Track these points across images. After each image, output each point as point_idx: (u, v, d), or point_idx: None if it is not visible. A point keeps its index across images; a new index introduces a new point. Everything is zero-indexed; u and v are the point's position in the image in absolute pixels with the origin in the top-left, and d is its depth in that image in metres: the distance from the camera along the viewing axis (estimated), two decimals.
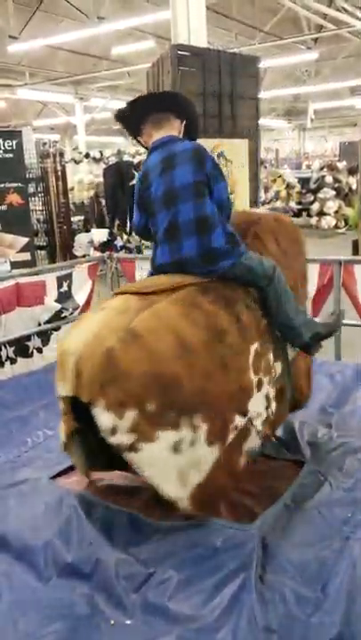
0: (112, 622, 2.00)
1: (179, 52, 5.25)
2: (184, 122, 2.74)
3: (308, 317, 2.92)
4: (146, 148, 2.77)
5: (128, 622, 2.00)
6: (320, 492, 2.64)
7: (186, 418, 2.23)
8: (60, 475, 2.93)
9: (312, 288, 4.72)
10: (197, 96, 5.35)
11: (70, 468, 2.96)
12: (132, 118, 2.73)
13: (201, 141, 5.26)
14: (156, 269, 2.68)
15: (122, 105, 2.82)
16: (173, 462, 2.24)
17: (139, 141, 2.83)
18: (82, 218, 12.21)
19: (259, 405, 2.59)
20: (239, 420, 2.46)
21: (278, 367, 2.74)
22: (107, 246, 9.55)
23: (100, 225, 11.21)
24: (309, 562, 2.19)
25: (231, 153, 5.57)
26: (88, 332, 2.31)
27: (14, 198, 6.63)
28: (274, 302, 2.64)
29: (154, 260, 2.69)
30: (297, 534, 2.36)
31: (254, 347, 2.55)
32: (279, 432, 3.23)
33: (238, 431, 2.46)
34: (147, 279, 2.82)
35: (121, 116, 2.76)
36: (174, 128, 2.70)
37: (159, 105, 2.70)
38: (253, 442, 2.59)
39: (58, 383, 2.36)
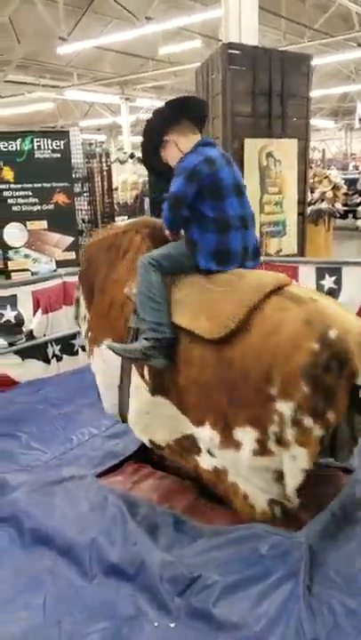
0: (156, 624, 1.99)
1: (229, 51, 5.20)
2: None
3: None
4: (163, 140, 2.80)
5: (172, 625, 1.98)
6: None
7: None
8: (105, 473, 2.95)
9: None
10: (247, 95, 5.29)
11: (115, 467, 2.97)
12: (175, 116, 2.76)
13: (250, 141, 5.28)
14: (227, 254, 2.64)
15: None
16: None
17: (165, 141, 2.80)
18: (125, 218, 12.28)
19: None
20: None
21: None
22: None
23: None
24: (358, 574, 2.12)
25: (280, 153, 5.49)
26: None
27: (61, 198, 6.67)
28: None
29: (226, 245, 2.63)
30: (345, 545, 2.29)
31: None
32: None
33: None
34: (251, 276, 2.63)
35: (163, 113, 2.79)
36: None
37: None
38: None
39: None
